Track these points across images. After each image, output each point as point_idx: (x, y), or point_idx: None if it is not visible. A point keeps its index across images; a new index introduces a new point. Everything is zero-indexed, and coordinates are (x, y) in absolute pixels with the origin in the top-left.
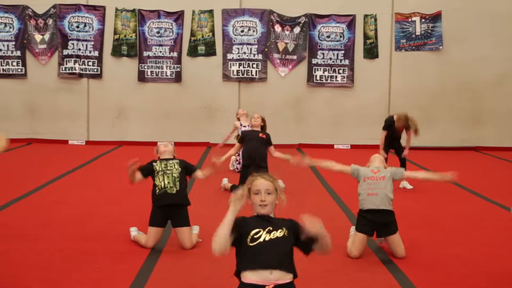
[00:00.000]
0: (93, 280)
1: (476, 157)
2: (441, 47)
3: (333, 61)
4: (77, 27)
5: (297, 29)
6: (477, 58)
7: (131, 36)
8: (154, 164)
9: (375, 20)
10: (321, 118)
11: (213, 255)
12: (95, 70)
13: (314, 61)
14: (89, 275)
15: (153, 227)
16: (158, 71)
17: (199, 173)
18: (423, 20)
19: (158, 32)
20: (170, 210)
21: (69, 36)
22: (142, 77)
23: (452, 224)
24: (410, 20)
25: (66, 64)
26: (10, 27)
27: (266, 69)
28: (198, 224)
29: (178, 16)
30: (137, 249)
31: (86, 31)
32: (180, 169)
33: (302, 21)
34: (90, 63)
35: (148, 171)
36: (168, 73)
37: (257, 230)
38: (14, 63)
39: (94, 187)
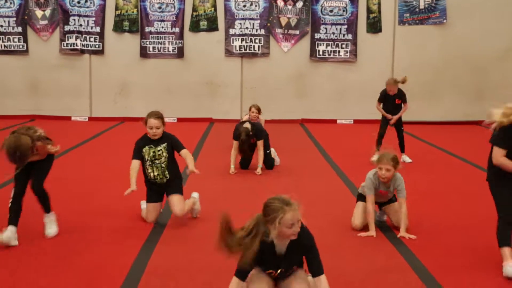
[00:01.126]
0: (98, 254)
1: (479, 132)
2: (445, 21)
3: (336, 36)
4: (78, 2)
5: (299, 4)
6: (481, 32)
7: (132, 12)
8: (144, 150)
9: None
10: (324, 93)
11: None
12: (97, 46)
13: (317, 36)
14: (94, 250)
15: (150, 203)
16: (160, 47)
17: (184, 154)
18: None
19: (159, 7)
20: (162, 188)
21: (70, 12)
22: (144, 53)
23: (454, 197)
24: None
25: (68, 40)
26: (10, 3)
27: (268, 44)
28: (205, 199)
29: None
30: (142, 224)
31: (87, 7)
32: (167, 155)
33: None
34: (92, 39)
35: (139, 155)
36: (170, 49)
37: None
38: (16, 39)
39: (97, 163)
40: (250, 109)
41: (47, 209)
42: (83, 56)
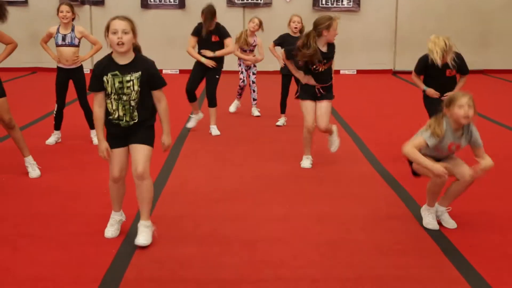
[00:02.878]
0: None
1: (483, 80)
2: None
3: None
4: None
5: None
6: None
7: None
8: (105, 79)
9: None
10: None
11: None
12: None
13: None
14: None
15: (112, 149)
16: None
17: (161, 108)
18: None
19: None
20: (126, 132)
21: None
22: (145, 4)
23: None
24: None
25: None
26: None
27: None
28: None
29: None
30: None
31: None
32: (140, 88)
33: None
34: None
35: (99, 86)
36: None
37: None
38: None
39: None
40: (250, 20)
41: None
42: (84, 7)
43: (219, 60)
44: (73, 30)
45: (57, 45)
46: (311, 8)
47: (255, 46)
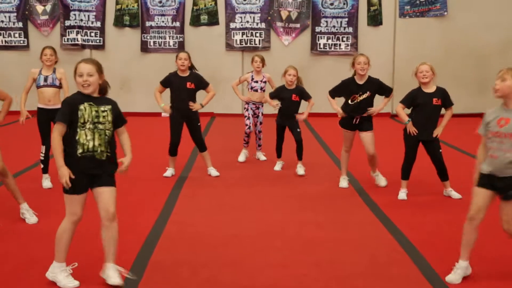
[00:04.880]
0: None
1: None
2: (445, 13)
3: (336, 29)
4: None
5: None
6: (482, 24)
7: (133, 6)
8: (81, 107)
9: None
10: (325, 87)
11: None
12: (98, 41)
13: (317, 29)
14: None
15: (73, 195)
16: (161, 41)
17: (124, 137)
18: None
19: (160, 2)
20: (93, 169)
21: (71, 7)
22: (145, 48)
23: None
24: None
25: (69, 35)
26: None
27: (269, 38)
28: (207, 195)
29: None
30: (141, 220)
31: (88, 1)
32: (111, 121)
33: None
34: (93, 34)
35: (71, 117)
36: (171, 43)
37: None
38: (16, 35)
39: None
40: (253, 59)
41: None
42: (84, 51)
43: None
44: (54, 71)
45: (38, 87)
46: (309, 52)
47: (265, 82)
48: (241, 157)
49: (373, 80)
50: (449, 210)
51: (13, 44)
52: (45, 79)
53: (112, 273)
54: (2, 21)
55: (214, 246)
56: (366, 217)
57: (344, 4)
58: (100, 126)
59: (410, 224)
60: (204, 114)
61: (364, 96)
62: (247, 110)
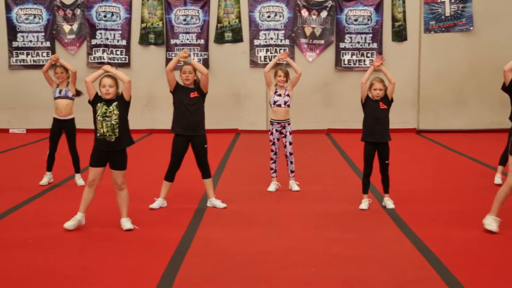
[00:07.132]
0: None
1: (507, 140)
2: (471, 28)
3: (361, 45)
4: (105, 16)
5: (324, 13)
6: (508, 39)
7: (158, 24)
8: (98, 104)
9: (403, 2)
10: (350, 103)
11: None
12: (123, 59)
13: (341, 45)
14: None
15: (93, 168)
16: None
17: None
18: (452, 0)
19: (184, 20)
20: (108, 154)
21: (97, 26)
22: None
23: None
24: (439, 1)
25: (95, 53)
26: (39, 18)
27: (293, 54)
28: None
29: (204, 3)
30: (166, 235)
31: (114, 20)
32: (118, 112)
33: (329, 5)
34: (118, 52)
35: (93, 102)
36: (196, 61)
37: None
38: (44, 54)
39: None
40: (276, 73)
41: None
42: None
43: (203, 129)
44: (67, 85)
45: (55, 98)
46: (333, 67)
47: (288, 95)
48: (271, 187)
49: None
50: (477, 226)
51: (41, 63)
52: (60, 92)
53: (125, 223)
54: (31, 41)
55: (241, 263)
56: (392, 234)
57: (368, 20)
58: (107, 119)
59: (437, 240)
60: (228, 131)
61: None
62: (271, 133)
